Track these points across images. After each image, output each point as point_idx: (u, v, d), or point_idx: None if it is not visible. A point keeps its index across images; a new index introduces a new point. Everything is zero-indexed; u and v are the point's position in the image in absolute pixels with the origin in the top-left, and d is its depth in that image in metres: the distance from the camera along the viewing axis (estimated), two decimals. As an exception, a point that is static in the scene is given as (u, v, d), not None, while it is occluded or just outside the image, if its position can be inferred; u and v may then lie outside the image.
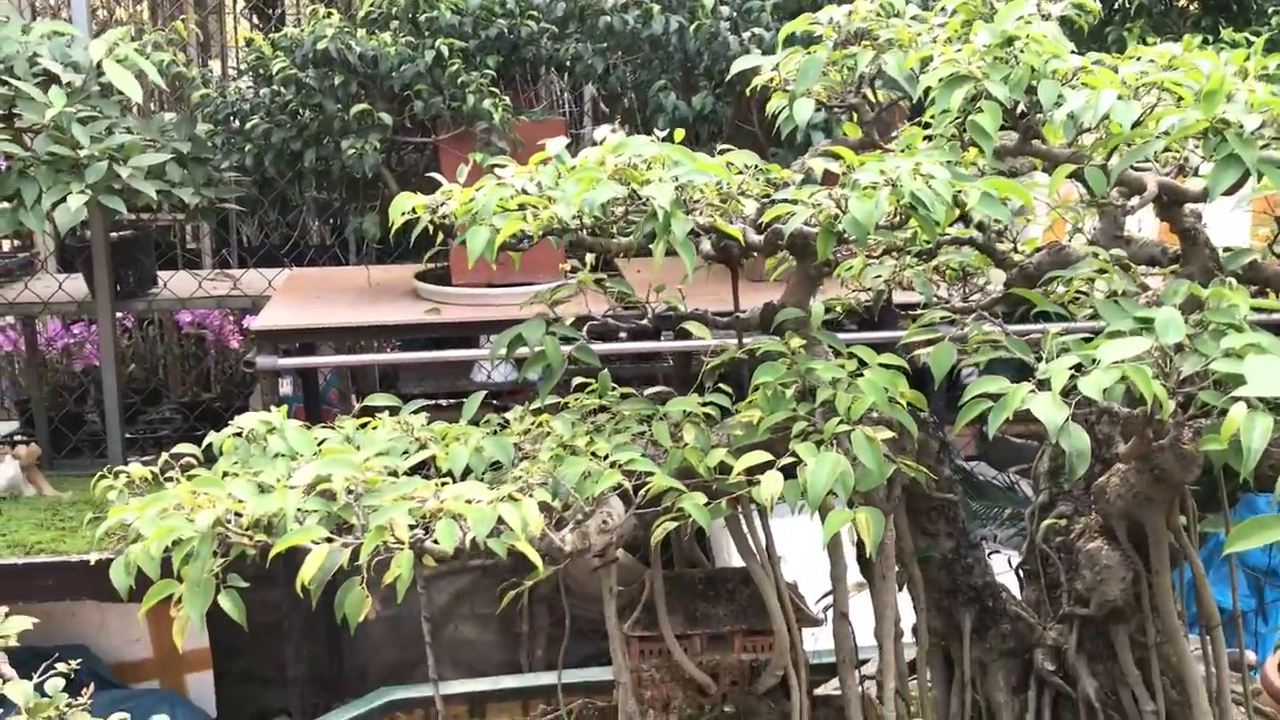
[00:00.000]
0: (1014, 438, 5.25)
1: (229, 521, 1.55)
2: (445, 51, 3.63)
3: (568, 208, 1.58)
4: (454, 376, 5.74)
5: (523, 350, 1.89)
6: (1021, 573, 2.28)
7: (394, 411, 1.92)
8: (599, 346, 3.90)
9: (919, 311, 2.07)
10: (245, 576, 1.58)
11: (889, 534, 1.85)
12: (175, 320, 5.01)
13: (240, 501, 1.54)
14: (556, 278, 4.46)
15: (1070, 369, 1.48)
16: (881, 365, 1.73)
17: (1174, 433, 1.63)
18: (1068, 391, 1.48)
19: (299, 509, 1.55)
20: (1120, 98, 1.62)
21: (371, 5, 3.81)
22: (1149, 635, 1.98)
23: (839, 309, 2.28)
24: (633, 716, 1.90)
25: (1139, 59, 1.77)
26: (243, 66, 4.25)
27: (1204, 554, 3.93)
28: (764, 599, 1.88)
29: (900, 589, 2.08)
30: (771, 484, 1.58)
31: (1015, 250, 2.20)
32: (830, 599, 2.01)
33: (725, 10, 3.67)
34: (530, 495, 1.55)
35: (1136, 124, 1.68)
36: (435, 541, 1.50)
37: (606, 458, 1.66)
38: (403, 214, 1.78)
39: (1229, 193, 1.73)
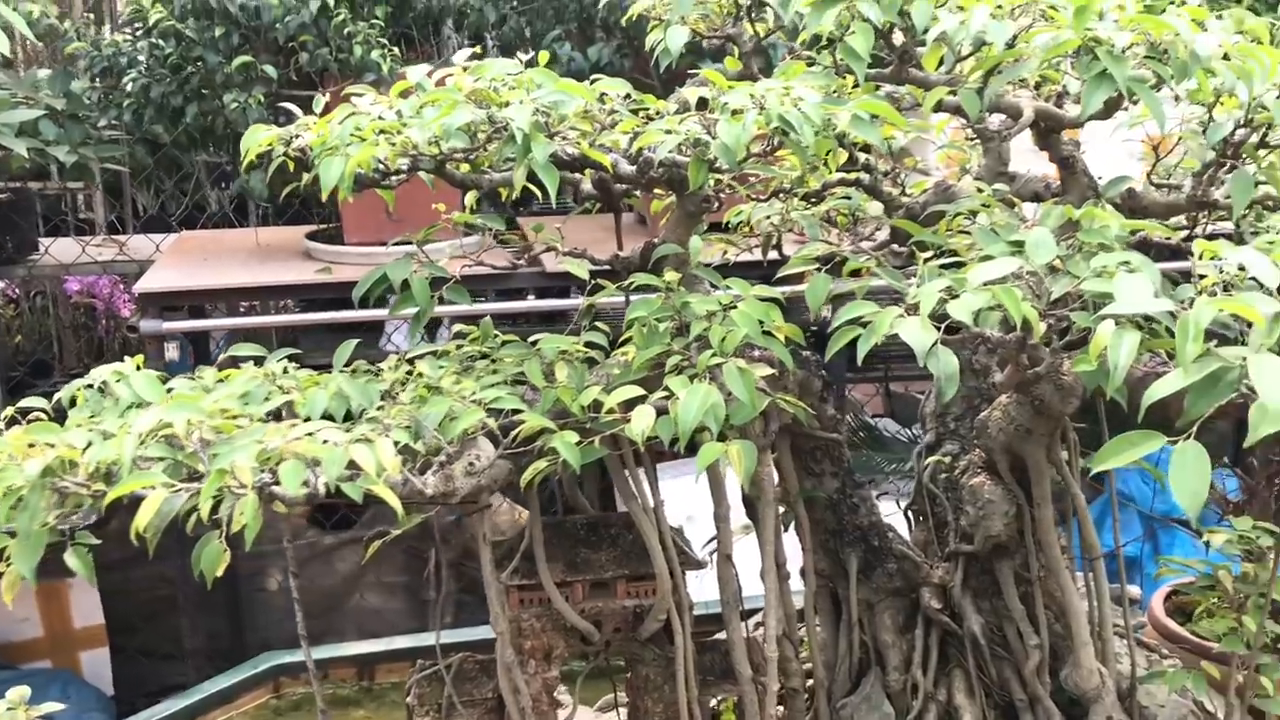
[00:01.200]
0: (918, 394, 5.29)
1: (66, 470, 1.46)
2: (331, 1, 3.51)
3: (422, 131, 1.50)
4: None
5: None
6: (910, 513, 2.26)
7: (261, 362, 1.83)
8: (500, 305, 3.83)
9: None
10: (139, 550, 1.49)
11: (766, 470, 1.82)
12: (64, 289, 4.82)
13: (76, 449, 1.45)
14: (452, 235, 4.35)
15: (942, 293, 1.45)
16: (757, 298, 1.68)
17: (1050, 360, 1.61)
18: (941, 318, 1.45)
19: (141, 456, 1.46)
20: (994, 17, 1.58)
21: (254, -47, 3.66)
22: (1032, 570, 1.97)
23: (730, 257, 2.23)
24: (511, 667, 1.84)
25: (1018, -21, 1.73)
26: (120, 20, 4.09)
27: (1100, 502, 4.01)
28: (645, 542, 1.83)
29: (786, 530, 2.06)
30: (642, 419, 1.52)
31: (904, 193, 2.18)
32: (715, 543, 1.98)
33: (621, -42, 3.59)
34: (387, 436, 1.47)
35: (1012, 46, 1.64)
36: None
37: (472, 397, 1.59)
38: (257, 146, 1.69)
39: (1103, 117, 1.71)
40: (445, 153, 1.60)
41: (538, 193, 1.66)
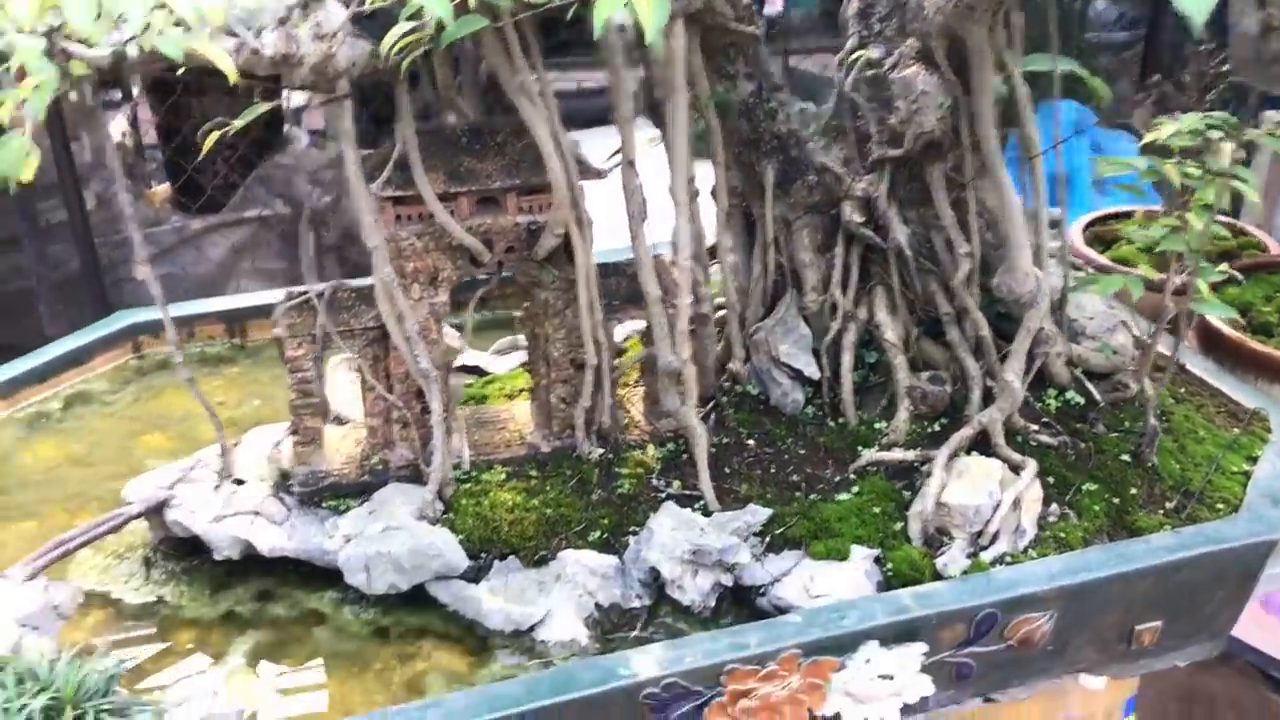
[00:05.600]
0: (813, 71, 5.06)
1: None
2: None
3: None
4: None
5: None
6: (828, 131, 2.05)
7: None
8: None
9: None
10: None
11: (679, 46, 1.56)
12: None
13: None
14: None
15: None
16: None
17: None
18: None
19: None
20: None
21: None
22: (966, 172, 1.80)
23: None
24: (390, 286, 1.63)
25: None
26: None
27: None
28: (539, 146, 1.59)
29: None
30: (528, -37, 1.25)
31: None
32: (619, 155, 1.75)
33: None
34: (209, -24, 1.18)
35: None
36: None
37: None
38: None
39: None
40: None
41: None
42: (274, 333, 1.70)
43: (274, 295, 2.43)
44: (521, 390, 2.07)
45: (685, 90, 1.59)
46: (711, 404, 1.91)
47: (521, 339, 2.23)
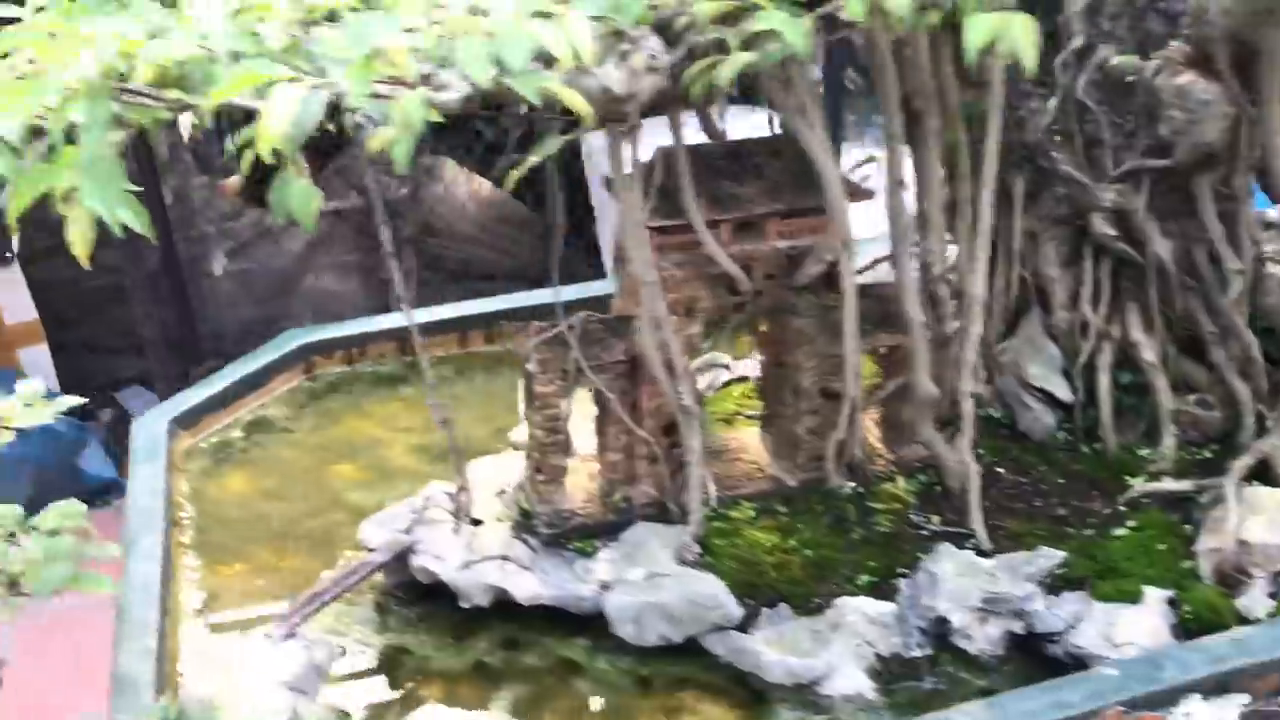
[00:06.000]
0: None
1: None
2: None
3: None
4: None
5: None
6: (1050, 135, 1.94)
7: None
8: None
9: None
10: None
11: (997, 66, 1.46)
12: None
13: (135, 40, 1.02)
14: None
15: None
16: None
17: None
18: None
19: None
20: None
21: None
22: (1237, 185, 1.70)
23: None
24: (661, 323, 1.53)
25: None
26: None
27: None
28: (819, 170, 1.49)
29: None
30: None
31: None
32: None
33: None
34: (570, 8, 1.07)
35: None
36: (442, 83, 1.03)
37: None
38: None
39: None
40: None
41: None
42: (526, 367, 1.60)
43: (445, 311, 2.34)
44: (735, 413, 1.97)
45: (998, 110, 1.50)
46: (952, 428, 1.82)
47: (718, 355, 2.13)
